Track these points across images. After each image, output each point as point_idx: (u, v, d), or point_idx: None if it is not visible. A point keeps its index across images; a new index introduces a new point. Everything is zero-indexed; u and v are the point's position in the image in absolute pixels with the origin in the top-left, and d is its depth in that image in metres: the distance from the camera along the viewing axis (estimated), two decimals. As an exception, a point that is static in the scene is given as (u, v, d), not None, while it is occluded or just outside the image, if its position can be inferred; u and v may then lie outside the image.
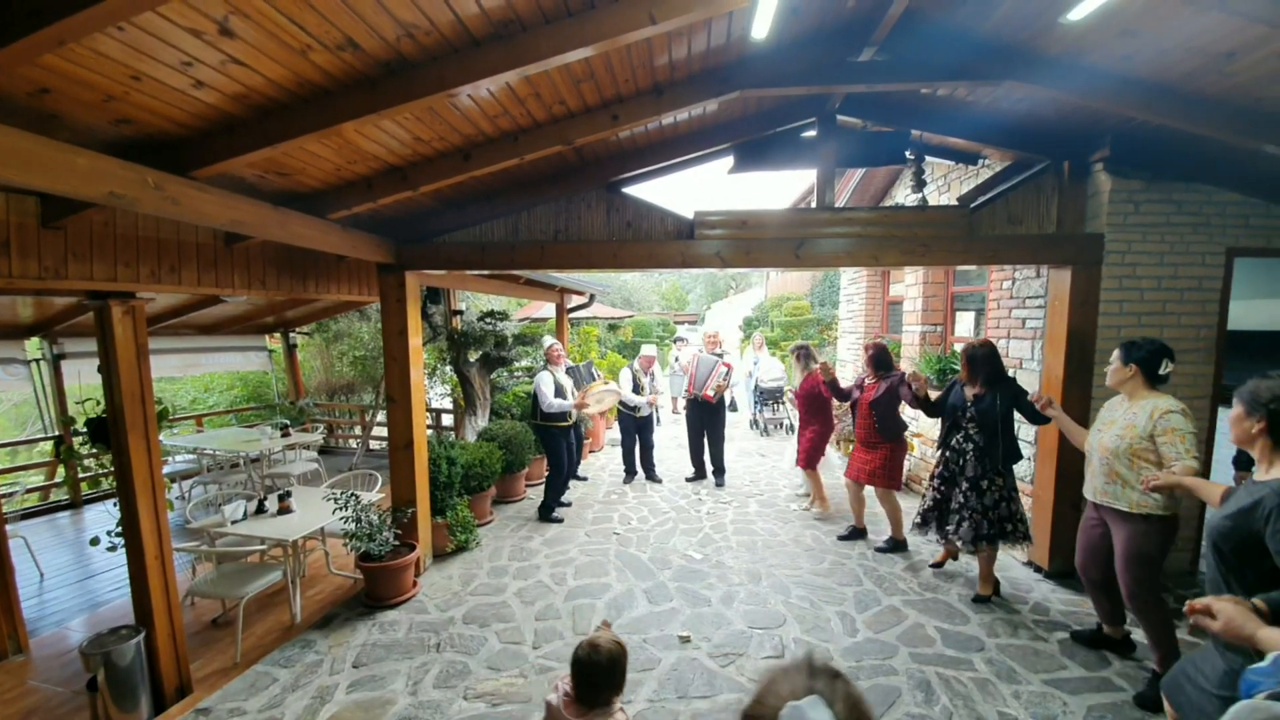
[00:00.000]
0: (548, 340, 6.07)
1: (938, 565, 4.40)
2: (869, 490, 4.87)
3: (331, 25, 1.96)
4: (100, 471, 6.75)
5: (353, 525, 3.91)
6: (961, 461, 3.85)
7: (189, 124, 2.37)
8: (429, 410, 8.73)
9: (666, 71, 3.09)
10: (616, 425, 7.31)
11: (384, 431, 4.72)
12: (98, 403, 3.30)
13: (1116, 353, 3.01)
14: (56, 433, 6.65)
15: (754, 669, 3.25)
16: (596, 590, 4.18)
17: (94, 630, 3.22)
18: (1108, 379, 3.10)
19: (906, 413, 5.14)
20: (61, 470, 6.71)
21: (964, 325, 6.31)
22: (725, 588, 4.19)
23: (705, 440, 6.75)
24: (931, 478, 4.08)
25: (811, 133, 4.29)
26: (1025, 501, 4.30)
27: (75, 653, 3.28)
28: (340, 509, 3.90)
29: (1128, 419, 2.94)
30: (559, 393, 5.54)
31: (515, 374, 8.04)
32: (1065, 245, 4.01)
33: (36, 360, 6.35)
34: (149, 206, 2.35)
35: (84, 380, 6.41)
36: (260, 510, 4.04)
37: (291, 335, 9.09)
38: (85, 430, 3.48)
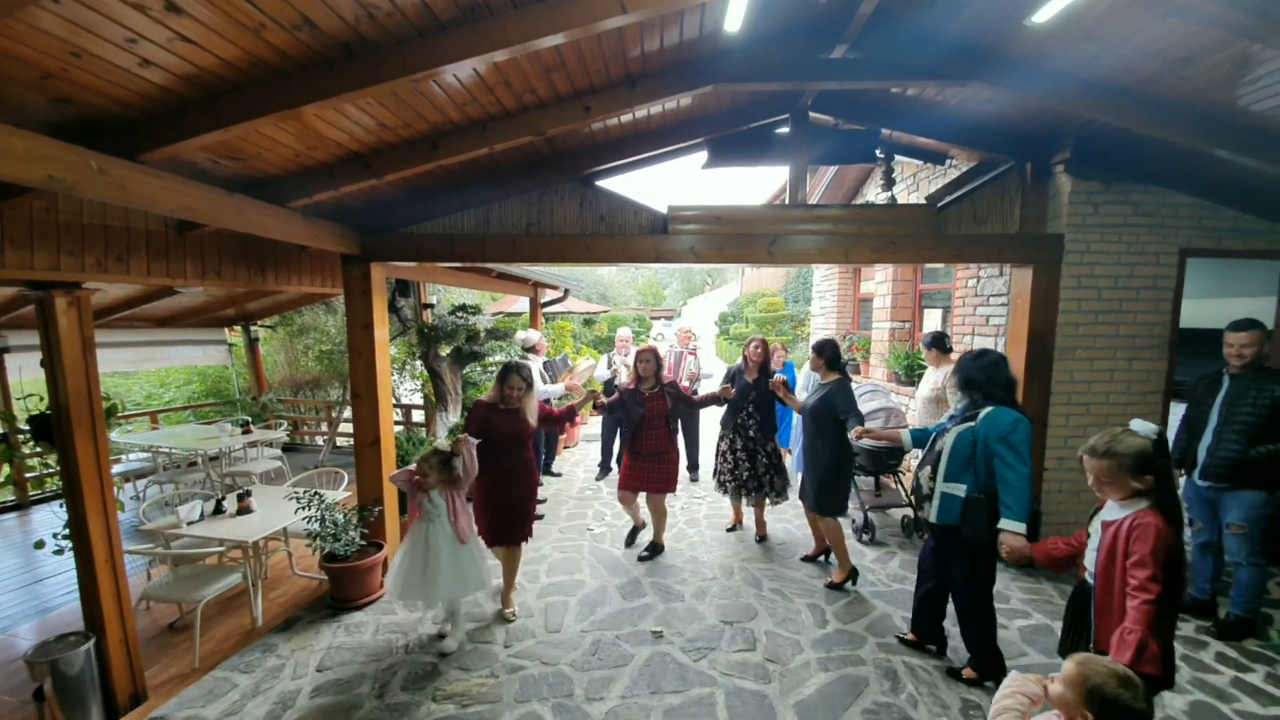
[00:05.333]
0: (535, 333, 5.99)
1: (732, 529, 5.19)
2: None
3: (286, 3, 1.87)
4: (46, 471, 6.49)
5: (317, 525, 3.80)
6: (750, 434, 4.62)
7: (136, 105, 2.25)
8: (398, 406, 8.56)
9: (639, 63, 3.05)
10: (594, 420, 7.28)
11: (351, 428, 4.59)
12: (41, 399, 3.13)
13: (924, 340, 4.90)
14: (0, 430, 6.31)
15: (726, 663, 3.27)
16: (570, 587, 4.15)
17: (42, 637, 3.08)
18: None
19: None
20: (6, 470, 6.37)
21: (932, 322, 6.44)
22: (698, 582, 4.21)
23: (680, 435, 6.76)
24: (723, 453, 4.78)
25: (785, 129, 4.31)
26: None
27: (20, 661, 3.12)
28: (304, 508, 3.78)
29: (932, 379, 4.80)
30: (544, 381, 5.52)
31: (489, 369, 7.92)
32: (1027, 244, 4.11)
33: (-24, 354, 6.02)
34: (92, 191, 2.21)
35: (26, 375, 6.10)
36: (218, 510, 3.90)
37: (253, 328, 8.79)
38: (28, 429, 3.31)
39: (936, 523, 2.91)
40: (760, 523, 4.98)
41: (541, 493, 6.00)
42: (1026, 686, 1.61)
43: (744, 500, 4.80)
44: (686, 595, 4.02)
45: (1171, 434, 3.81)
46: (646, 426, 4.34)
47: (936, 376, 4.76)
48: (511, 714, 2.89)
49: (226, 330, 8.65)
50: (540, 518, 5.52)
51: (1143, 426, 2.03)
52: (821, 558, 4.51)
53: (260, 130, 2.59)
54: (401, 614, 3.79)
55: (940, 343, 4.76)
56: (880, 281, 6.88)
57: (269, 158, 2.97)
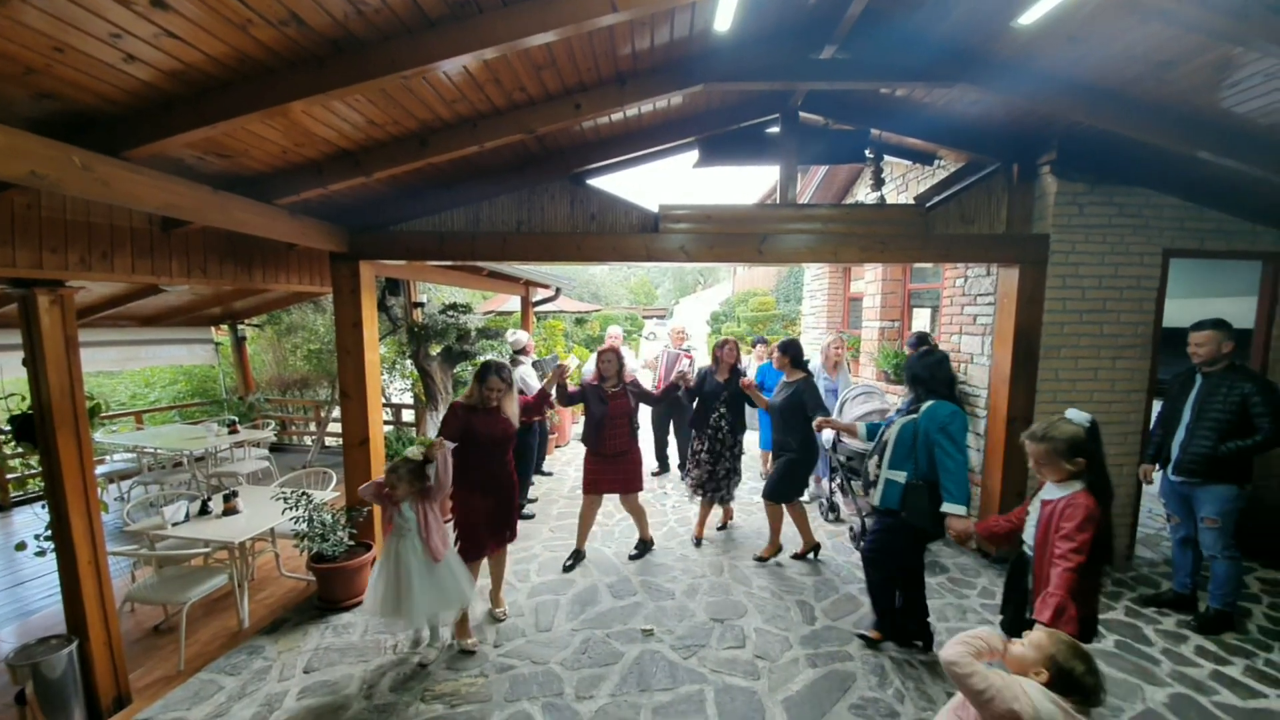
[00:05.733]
0: (523, 336, 5.98)
1: (723, 527, 5.16)
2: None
3: (274, -1, 1.86)
4: (28, 472, 6.39)
5: (304, 525, 3.77)
6: (721, 435, 4.61)
7: (120, 101, 2.22)
8: (388, 406, 8.51)
9: (630, 61, 3.05)
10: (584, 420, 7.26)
11: (340, 428, 4.55)
12: (23, 398, 3.09)
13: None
14: (-21, 431, 6.21)
15: (716, 660, 3.28)
16: (560, 586, 4.15)
17: (23, 640, 3.04)
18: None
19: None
20: (-15, 470, 6.28)
21: (920, 321, 6.49)
22: (689, 580, 4.22)
23: (670, 434, 6.77)
24: (697, 453, 4.73)
25: (775, 129, 4.32)
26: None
27: (2, 664, 3.08)
28: (291, 509, 3.76)
29: None
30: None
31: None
32: (1013, 245, 4.15)
33: (-45, 353, 5.90)
34: (75, 188, 2.19)
35: (8, 375, 6.00)
36: (204, 511, 3.86)
37: (240, 327, 8.71)
38: (9, 428, 3.26)
39: (879, 506, 3.21)
40: (729, 515, 5.17)
41: (532, 492, 6.00)
42: (991, 638, 1.72)
43: (711, 499, 4.79)
44: (677, 593, 4.03)
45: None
46: (609, 425, 4.27)
47: None
48: (501, 713, 2.89)
49: (213, 329, 8.56)
50: (531, 517, 5.51)
51: (1077, 415, 2.27)
52: (810, 555, 4.54)
53: (247, 127, 2.57)
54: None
55: (925, 342, 4.83)
56: (870, 281, 6.93)
57: (256, 155, 2.94)
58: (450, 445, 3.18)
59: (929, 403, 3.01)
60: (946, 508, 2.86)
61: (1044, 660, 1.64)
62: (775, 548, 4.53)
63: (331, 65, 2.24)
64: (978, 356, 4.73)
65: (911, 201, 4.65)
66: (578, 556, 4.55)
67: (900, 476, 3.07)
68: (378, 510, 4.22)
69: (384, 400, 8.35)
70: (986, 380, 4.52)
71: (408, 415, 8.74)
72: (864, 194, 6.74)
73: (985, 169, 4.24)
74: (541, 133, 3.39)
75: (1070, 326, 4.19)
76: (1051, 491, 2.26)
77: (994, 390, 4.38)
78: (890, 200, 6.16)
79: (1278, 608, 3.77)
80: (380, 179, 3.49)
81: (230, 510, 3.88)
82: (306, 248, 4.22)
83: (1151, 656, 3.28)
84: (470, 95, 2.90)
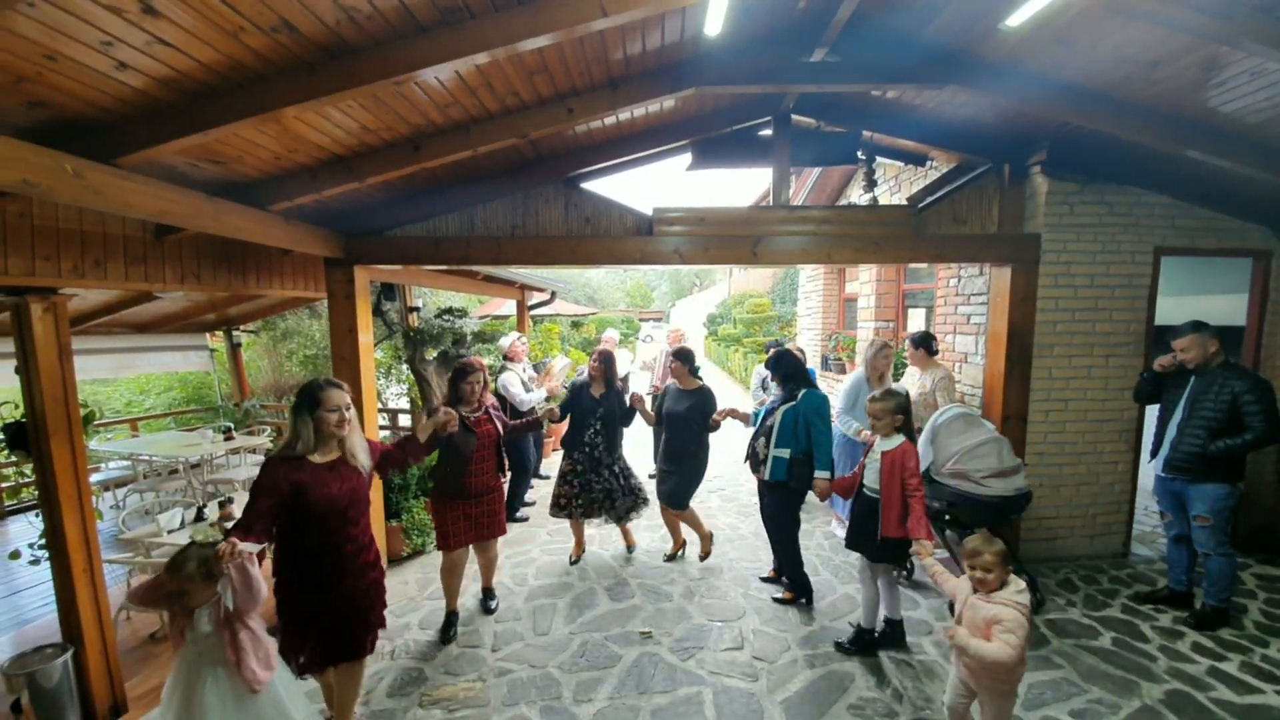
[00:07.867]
0: (508, 338, 5.97)
1: (576, 562, 4.65)
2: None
3: (265, 6, 1.86)
4: (22, 481, 6.37)
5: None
6: (596, 454, 4.38)
7: (112, 108, 2.22)
8: (384, 411, 8.50)
9: (621, 66, 3.07)
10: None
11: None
12: (16, 406, 3.08)
13: (907, 341, 4.71)
14: (-27, 440, 6.17)
15: (714, 661, 3.28)
16: (557, 590, 4.15)
17: (19, 649, 3.03)
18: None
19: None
20: (-20, 480, 6.25)
21: (915, 321, 6.51)
22: (686, 582, 4.22)
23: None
24: (564, 474, 4.41)
25: (767, 131, 4.34)
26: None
27: (-5, 674, 3.07)
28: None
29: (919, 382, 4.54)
30: (526, 389, 5.46)
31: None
32: (1005, 244, 4.17)
33: (-52, 362, 5.89)
34: (68, 196, 2.19)
35: (1, 383, 5.98)
36: (200, 518, 3.85)
37: (235, 333, 8.69)
38: (3, 437, 3.25)
39: (770, 480, 3.71)
40: (626, 533, 4.76)
41: (530, 495, 5.99)
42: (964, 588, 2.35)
43: (595, 522, 4.56)
44: (675, 595, 4.03)
45: (1150, 425, 3.91)
46: (477, 460, 3.51)
47: (925, 379, 4.39)
48: (499, 717, 2.88)
49: (208, 336, 8.55)
50: (525, 520, 5.51)
51: (898, 386, 3.48)
52: (680, 553, 4.68)
53: (240, 133, 2.58)
54: (388, 620, 3.75)
55: (927, 343, 4.47)
56: (865, 282, 6.95)
57: (249, 161, 2.95)
58: (251, 549, 2.10)
59: (803, 392, 3.69)
60: (817, 474, 3.58)
61: (1000, 562, 2.21)
62: (681, 544, 4.68)
63: (324, 71, 2.25)
64: (972, 355, 4.75)
65: (904, 202, 4.67)
66: (453, 619, 3.69)
67: (785, 453, 3.64)
68: (376, 511, 4.20)
69: (380, 406, 8.34)
70: (981, 379, 4.53)
71: (404, 420, 8.73)
72: (857, 195, 6.75)
73: (977, 169, 4.26)
74: (535, 137, 3.40)
75: (1063, 325, 4.21)
76: (885, 445, 3.08)
77: (989, 389, 4.40)
78: (883, 201, 6.18)
79: (1273, 603, 3.78)
80: (374, 184, 3.49)
81: (226, 517, 3.85)
82: (301, 253, 4.22)
83: (1148, 653, 3.29)
84: (463, 100, 2.91)
